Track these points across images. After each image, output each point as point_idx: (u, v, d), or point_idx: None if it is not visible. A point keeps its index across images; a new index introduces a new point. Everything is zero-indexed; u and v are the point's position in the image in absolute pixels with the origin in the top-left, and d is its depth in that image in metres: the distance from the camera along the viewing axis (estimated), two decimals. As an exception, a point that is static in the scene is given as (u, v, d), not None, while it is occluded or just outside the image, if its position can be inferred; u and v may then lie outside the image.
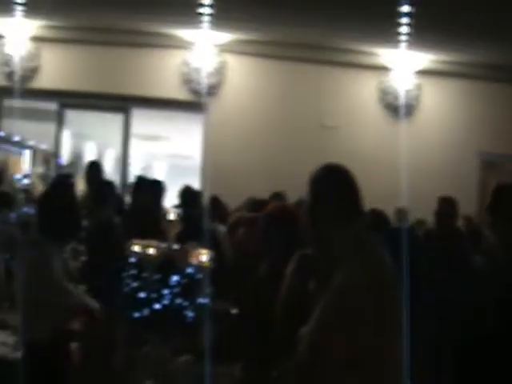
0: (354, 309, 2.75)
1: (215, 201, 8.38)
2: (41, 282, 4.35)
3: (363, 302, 2.76)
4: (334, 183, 3.05)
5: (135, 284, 5.08)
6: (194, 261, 5.10)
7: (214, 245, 5.62)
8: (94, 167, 8.41)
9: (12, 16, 10.93)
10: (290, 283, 3.49)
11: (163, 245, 5.24)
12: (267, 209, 4.63)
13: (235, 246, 6.53)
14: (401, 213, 9.38)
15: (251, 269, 4.82)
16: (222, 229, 7.59)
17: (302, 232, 3.53)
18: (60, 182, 8.73)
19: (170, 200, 8.00)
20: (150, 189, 7.11)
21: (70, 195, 4.94)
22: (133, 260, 5.12)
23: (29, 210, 7.29)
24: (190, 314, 5.05)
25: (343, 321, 2.76)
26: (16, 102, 10.43)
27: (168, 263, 5.09)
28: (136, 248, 5.14)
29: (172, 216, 5.59)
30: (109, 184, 7.56)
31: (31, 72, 11.74)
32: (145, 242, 5.19)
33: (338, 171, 3.10)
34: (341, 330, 2.76)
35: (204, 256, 5.12)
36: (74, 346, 4.87)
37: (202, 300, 5.01)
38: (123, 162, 12.39)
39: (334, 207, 2.98)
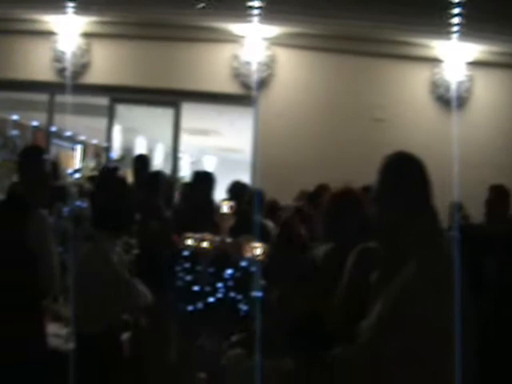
0: (418, 305, 2.70)
1: (260, 195, 8.35)
2: (100, 273, 4.37)
3: (427, 299, 2.70)
4: (406, 171, 2.96)
5: (189, 277, 5.09)
6: (247, 254, 5.09)
7: (265, 238, 5.62)
8: (141, 160, 8.46)
9: (63, 13, 11.05)
10: (351, 275, 3.43)
11: (217, 238, 5.24)
12: (332, 192, 4.49)
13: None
14: (455, 207, 9.22)
15: (295, 258, 4.79)
16: (270, 223, 7.58)
17: (367, 219, 3.47)
18: (113, 176, 8.80)
19: (220, 194, 8.02)
20: (203, 181, 7.14)
21: (122, 188, 4.95)
22: (186, 253, 5.13)
23: (81, 203, 7.36)
24: (243, 307, 5.05)
25: (406, 317, 2.71)
26: (68, 98, 10.51)
27: (222, 256, 5.09)
28: (189, 241, 5.15)
29: (225, 209, 5.57)
30: (159, 175, 7.61)
31: (82, 68, 11.87)
32: (198, 235, 5.20)
33: (410, 159, 3.02)
34: (403, 326, 2.71)
35: (257, 249, 5.11)
36: (124, 337, 4.89)
37: (255, 293, 5.00)
38: (173, 156, 12.42)
39: (405, 196, 2.90)
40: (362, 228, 3.71)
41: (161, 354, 5.10)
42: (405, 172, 2.96)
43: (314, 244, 5.18)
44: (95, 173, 11.38)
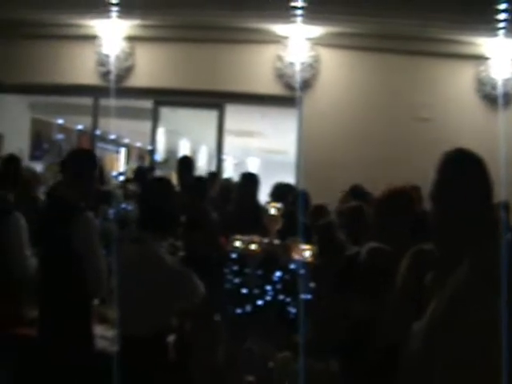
0: (470, 305, 2.63)
1: (304, 196, 8.31)
2: (150, 274, 4.34)
3: (480, 299, 2.63)
4: (466, 169, 2.88)
5: (237, 280, 5.06)
6: (296, 256, 5.04)
7: (311, 241, 5.57)
8: (185, 162, 8.49)
9: (107, 17, 11.13)
10: (405, 279, 3.36)
11: (265, 240, 5.20)
12: (385, 190, 4.39)
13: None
14: (502, 206, 9.06)
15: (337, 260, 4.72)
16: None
17: (419, 219, 3.40)
18: (147, 177, 8.88)
19: (263, 196, 8.00)
20: (249, 182, 7.13)
21: (167, 189, 4.93)
22: (234, 256, 5.10)
23: (126, 206, 7.40)
24: (292, 310, 5.00)
25: (458, 317, 2.65)
26: (112, 101, 10.59)
27: (270, 259, 5.06)
28: (237, 243, 5.12)
29: (273, 211, 5.53)
30: (206, 177, 7.61)
31: (126, 71, 11.93)
32: (246, 237, 5.17)
33: (471, 156, 2.95)
34: (456, 326, 2.65)
35: (306, 251, 5.06)
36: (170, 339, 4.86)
37: (304, 296, 4.95)
38: (217, 158, 12.43)
39: (465, 194, 2.82)
40: (415, 228, 3.64)
41: (208, 357, 5.07)
42: (464, 169, 2.87)
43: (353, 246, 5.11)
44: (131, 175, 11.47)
